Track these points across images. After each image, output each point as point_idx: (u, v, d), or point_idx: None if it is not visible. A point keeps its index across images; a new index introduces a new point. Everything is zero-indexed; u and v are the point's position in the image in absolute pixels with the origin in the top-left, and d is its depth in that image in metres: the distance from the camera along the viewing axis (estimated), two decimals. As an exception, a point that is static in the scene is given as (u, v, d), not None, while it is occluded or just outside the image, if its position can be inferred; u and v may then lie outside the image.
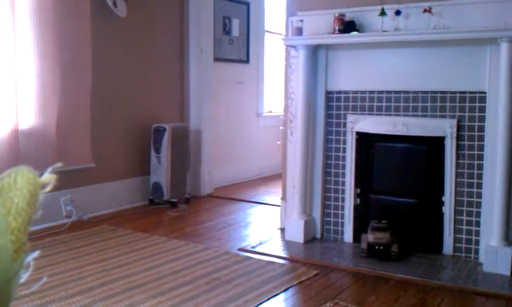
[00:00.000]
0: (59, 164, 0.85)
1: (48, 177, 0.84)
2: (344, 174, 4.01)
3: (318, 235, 4.10)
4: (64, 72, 4.25)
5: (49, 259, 3.42)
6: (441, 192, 3.67)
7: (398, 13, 3.60)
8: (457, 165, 3.61)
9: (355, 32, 3.76)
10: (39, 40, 4.07)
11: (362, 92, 3.93)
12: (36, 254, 0.90)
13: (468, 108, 3.57)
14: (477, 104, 3.54)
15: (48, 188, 0.83)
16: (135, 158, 5.14)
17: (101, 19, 4.66)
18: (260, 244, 3.96)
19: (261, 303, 2.86)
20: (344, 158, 4.01)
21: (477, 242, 3.57)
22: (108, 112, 4.83)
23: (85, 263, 3.42)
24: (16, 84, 3.96)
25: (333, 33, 3.83)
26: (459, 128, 3.59)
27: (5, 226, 0.80)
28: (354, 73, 3.94)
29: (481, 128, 3.53)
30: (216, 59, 5.99)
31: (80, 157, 4.41)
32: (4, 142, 3.87)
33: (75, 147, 4.38)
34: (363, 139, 3.95)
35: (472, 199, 3.58)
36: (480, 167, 3.55)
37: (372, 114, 3.89)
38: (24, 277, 0.90)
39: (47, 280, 3.05)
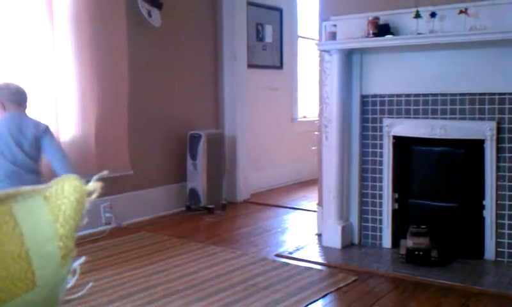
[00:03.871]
0: (105, 172, 0.88)
1: (94, 185, 0.86)
2: (381, 179, 3.97)
3: (356, 241, 4.07)
4: (102, 81, 4.34)
5: (89, 265, 3.48)
6: (482, 196, 3.60)
7: (433, 15, 3.55)
8: (498, 169, 3.53)
9: (390, 36, 3.72)
10: (77, 51, 4.17)
11: (398, 95, 3.88)
12: (82, 260, 0.93)
13: (508, 110, 3.49)
14: (517, 106, 3.46)
15: (94, 196, 0.86)
16: (172, 165, 5.20)
17: (136, 29, 4.74)
18: (297, 249, 3.95)
19: (299, 309, 2.85)
20: (380, 163, 3.97)
21: (520, 247, 3.49)
22: (145, 120, 4.90)
23: (124, 269, 3.47)
24: (57, 95, 4.06)
25: (367, 37, 3.80)
26: (499, 130, 3.52)
27: (53, 233, 0.83)
28: (389, 76, 3.90)
29: (522, 130, 3.45)
30: (250, 66, 6.02)
31: (119, 165, 4.48)
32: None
33: (114, 155, 4.46)
34: (400, 143, 3.91)
35: (513, 203, 3.50)
36: (522, 169, 3.47)
37: (409, 118, 3.84)
38: (70, 282, 0.92)
39: (88, 287, 3.11)
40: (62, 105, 4.11)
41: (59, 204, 0.84)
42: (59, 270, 0.86)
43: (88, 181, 0.89)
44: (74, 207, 0.85)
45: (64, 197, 0.84)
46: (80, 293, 0.96)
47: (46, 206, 0.84)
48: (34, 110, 3.93)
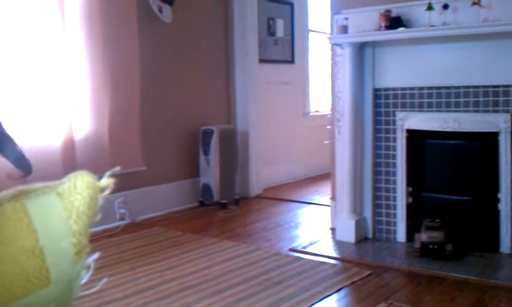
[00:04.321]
0: (117, 168, 0.88)
1: (107, 181, 0.86)
2: (394, 173, 3.95)
3: (369, 235, 4.05)
4: (114, 78, 4.35)
5: (104, 261, 3.50)
6: (497, 188, 3.56)
7: (446, 6, 3.51)
8: (513, 161, 3.50)
9: (402, 28, 3.69)
10: (89, 47, 4.19)
11: (411, 88, 3.86)
12: (96, 256, 0.93)
13: (523, 101, 3.45)
14: (532, 97, 3.42)
15: (107, 192, 0.86)
16: (184, 161, 5.21)
17: (147, 25, 4.75)
18: (311, 244, 3.94)
19: (313, 304, 2.84)
20: (394, 157, 3.95)
21: (536, 240, 3.45)
22: (157, 116, 4.92)
23: (138, 264, 3.49)
24: (70, 92, 4.08)
25: (379, 30, 3.78)
26: (514, 122, 3.48)
27: (67, 229, 0.83)
28: (402, 69, 3.87)
29: (538, 122, 3.41)
30: (261, 61, 6.00)
31: (132, 161, 4.51)
32: (61, 149, 4.00)
33: (127, 151, 4.48)
34: (414, 137, 3.88)
35: (529, 195, 3.47)
36: (537, 162, 3.43)
37: (422, 111, 3.82)
38: (84, 278, 0.93)
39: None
40: (75, 102, 4.14)
41: (73, 200, 0.85)
42: (73, 267, 0.86)
43: (101, 177, 0.90)
44: (87, 203, 0.85)
45: (77, 193, 0.85)
46: (94, 289, 0.97)
47: (59, 202, 0.84)
48: (48, 109, 3.96)
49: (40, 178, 3.55)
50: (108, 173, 0.88)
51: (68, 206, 0.84)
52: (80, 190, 0.85)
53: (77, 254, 0.86)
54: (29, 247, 0.80)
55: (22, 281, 0.79)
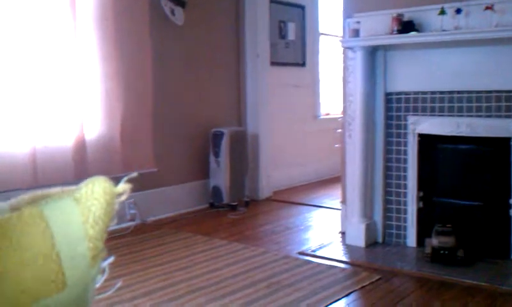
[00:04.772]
0: (135, 174, 0.88)
1: (124, 187, 0.87)
2: (405, 177, 3.93)
3: (380, 239, 4.04)
4: (127, 80, 4.37)
5: (113, 261, 3.51)
6: (508, 194, 3.54)
7: (458, 11, 3.50)
8: (525, 167, 3.48)
9: (414, 32, 3.69)
10: (101, 50, 4.21)
11: (423, 93, 3.84)
12: (111, 259, 0.94)
13: (536, 107, 3.43)
14: (545, 103, 3.40)
15: (124, 198, 0.87)
16: (195, 163, 5.22)
17: (159, 27, 4.77)
18: (320, 247, 3.94)
19: (323, 308, 2.84)
20: (405, 161, 3.94)
21: (548, 247, 3.43)
22: (168, 117, 4.93)
23: (148, 265, 3.50)
24: (82, 93, 4.10)
25: (392, 34, 3.77)
26: (527, 128, 3.46)
27: (83, 233, 0.84)
28: (414, 73, 3.86)
29: (551, 128, 3.39)
30: (272, 63, 6.01)
31: (143, 162, 4.52)
32: (72, 149, 4.02)
33: (139, 153, 4.49)
34: (425, 141, 3.87)
35: (541, 202, 3.44)
36: (550, 168, 3.40)
37: (434, 115, 3.80)
38: (100, 281, 0.93)
39: (112, 282, 3.14)
40: (87, 103, 4.16)
41: (89, 205, 0.85)
42: (89, 271, 0.87)
43: (117, 182, 0.90)
44: (104, 209, 0.86)
45: (94, 198, 0.86)
46: (109, 292, 0.98)
47: (76, 207, 0.85)
48: (60, 110, 3.98)
49: (52, 177, 3.58)
50: (125, 179, 0.88)
51: (85, 212, 0.85)
52: (97, 196, 0.86)
53: (93, 258, 0.87)
54: (46, 252, 0.81)
55: (38, 285, 0.79)
